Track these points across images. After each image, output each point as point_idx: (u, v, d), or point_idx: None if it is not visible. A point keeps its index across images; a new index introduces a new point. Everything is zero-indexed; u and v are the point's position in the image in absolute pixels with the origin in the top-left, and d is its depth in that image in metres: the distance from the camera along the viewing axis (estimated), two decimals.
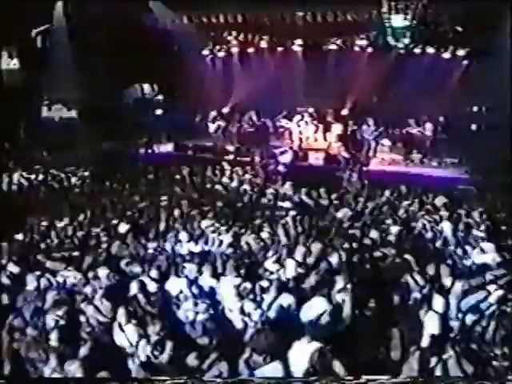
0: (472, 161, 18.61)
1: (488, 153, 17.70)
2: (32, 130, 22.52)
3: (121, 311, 7.96)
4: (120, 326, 7.85)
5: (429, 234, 11.30)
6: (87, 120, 22.70)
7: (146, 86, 25.95)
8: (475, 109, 21.17)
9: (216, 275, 9.13)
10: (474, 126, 20.74)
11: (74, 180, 16.53)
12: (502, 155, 16.83)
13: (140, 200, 13.76)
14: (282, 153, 19.78)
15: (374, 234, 11.30)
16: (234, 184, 15.98)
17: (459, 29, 20.16)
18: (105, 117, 22.20)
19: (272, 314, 8.14)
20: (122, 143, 21.78)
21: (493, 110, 19.79)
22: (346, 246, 10.57)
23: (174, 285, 8.86)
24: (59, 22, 22.10)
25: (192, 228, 11.40)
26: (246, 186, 15.91)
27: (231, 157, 20.53)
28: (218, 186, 15.54)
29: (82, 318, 8.12)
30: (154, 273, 9.20)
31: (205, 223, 11.65)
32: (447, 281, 8.93)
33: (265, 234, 11.11)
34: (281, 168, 18.24)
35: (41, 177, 16.58)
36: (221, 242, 10.61)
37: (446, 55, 21.43)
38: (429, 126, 20.74)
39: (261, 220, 12.05)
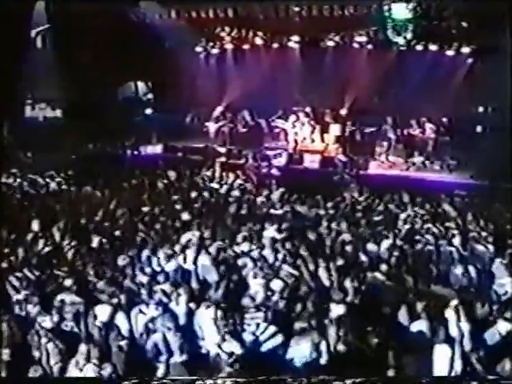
0: (477, 165, 17.54)
1: (494, 156, 16.64)
2: (15, 131, 21.45)
3: (82, 348, 6.94)
4: (78, 364, 6.82)
5: (432, 251, 10.21)
6: (72, 120, 21.63)
7: (138, 85, 24.91)
8: (480, 109, 20.07)
9: (192, 301, 8.08)
10: (479, 128, 19.66)
11: (52, 185, 15.40)
12: (510, 158, 15.77)
13: (119, 208, 12.62)
14: (275, 155, 18.82)
15: (371, 249, 10.28)
16: (223, 190, 14.94)
17: (464, 24, 19.01)
18: (91, 116, 21.18)
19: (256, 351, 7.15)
20: (109, 144, 20.77)
21: (499, 111, 18.67)
22: (340, 262, 9.57)
23: (142, 313, 7.82)
24: (41, 20, 20.98)
25: (171, 242, 10.30)
26: (236, 192, 14.89)
27: (223, 159, 19.44)
28: (205, 193, 14.44)
29: (35, 354, 7.09)
30: (121, 297, 8.15)
31: (185, 237, 10.58)
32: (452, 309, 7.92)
33: (251, 250, 10.06)
34: (274, 172, 17.27)
35: (17, 182, 15.45)
36: (201, 260, 9.50)
37: (450, 53, 20.30)
38: (431, 127, 19.68)
39: (248, 233, 10.94)
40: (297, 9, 20.56)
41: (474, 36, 19.48)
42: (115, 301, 8.07)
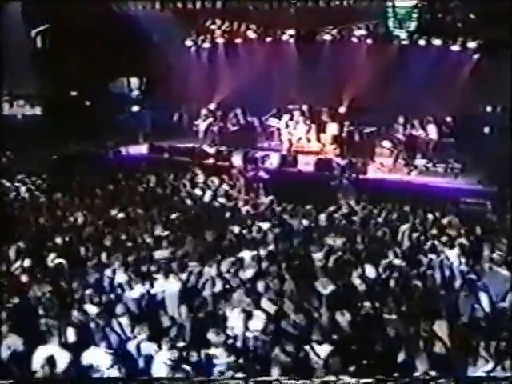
0: (485, 169, 16.20)
1: (503, 159, 15.28)
2: None
3: None
4: None
5: (437, 274, 8.89)
6: (53, 118, 20.29)
7: (131, 80, 23.61)
8: (488, 109, 18.72)
9: (153, 340, 6.80)
10: (486, 129, 18.29)
11: (22, 190, 14.08)
12: None
13: (86, 220, 11.31)
14: (264, 157, 17.54)
15: (368, 272, 8.95)
16: (207, 197, 13.63)
17: (471, 17, 17.67)
18: (73, 114, 19.90)
19: None
20: (91, 144, 19.44)
21: (508, 111, 17.29)
22: (331, 288, 8.29)
23: (94, 356, 6.53)
24: (16, 13, 19.62)
25: (139, 263, 8.98)
26: (221, 200, 13.59)
27: (211, 161, 18.15)
28: (186, 201, 13.13)
29: None
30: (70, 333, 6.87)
31: (157, 255, 9.26)
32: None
33: (230, 273, 8.76)
34: (264, 176, 15.96)
35: None
36: (169, 287, 8.19)
37: (455, 48, 19.00)
38: (434, 127, 18.26)
39: (229, 251, 9.64)
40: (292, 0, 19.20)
41: (481, 30, 18.14)
42: (61, 339, 6.77)
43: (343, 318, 7.38)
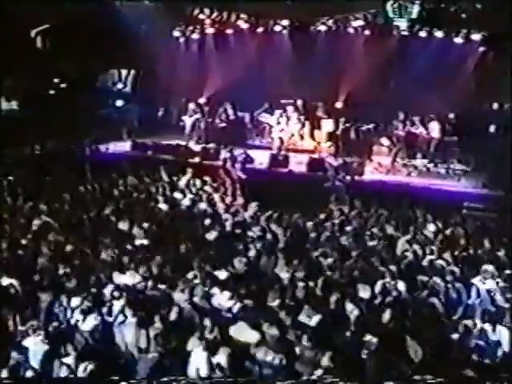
0: (490, 170, 15.22)
1: (510, 160, 14.24)
2: None
3: None
4: None
5: (441, 300, 7.73)
6: (30, 112, 19.12)
7: (120, 73, 22.49)
8: (494, 106, 17.67)
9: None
10: (492, 127, 17.23)
11: None
12: None
13: (46, 232, 10.06)
14: (252, 156, 16.40)
15: (360, 295, 7.80)
16: (187, 202, 12.46)
17: (477, 6, 16.57)
18: (51, 109, 18.75)
19: None
20: (71, 141, 18.24)
21: None
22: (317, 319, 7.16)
23: None
24: None
25: (98, 287, 7.80)
26: (203, 205, 12.41)
27: (197, 159, 17.01)
28: (163, 206, 11.96)
29: None
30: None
31: (123, 279, 8.09)
32: None
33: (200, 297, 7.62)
34: (251, 177, 14.84)
35: None
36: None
37: (458, 40, 17.94)
38: (436, 125, 17.23)
39: (203, 266, 8.50)
40: None
41: (487, 21, 17.09)
42: None
43: (331, 355, 6.23)
